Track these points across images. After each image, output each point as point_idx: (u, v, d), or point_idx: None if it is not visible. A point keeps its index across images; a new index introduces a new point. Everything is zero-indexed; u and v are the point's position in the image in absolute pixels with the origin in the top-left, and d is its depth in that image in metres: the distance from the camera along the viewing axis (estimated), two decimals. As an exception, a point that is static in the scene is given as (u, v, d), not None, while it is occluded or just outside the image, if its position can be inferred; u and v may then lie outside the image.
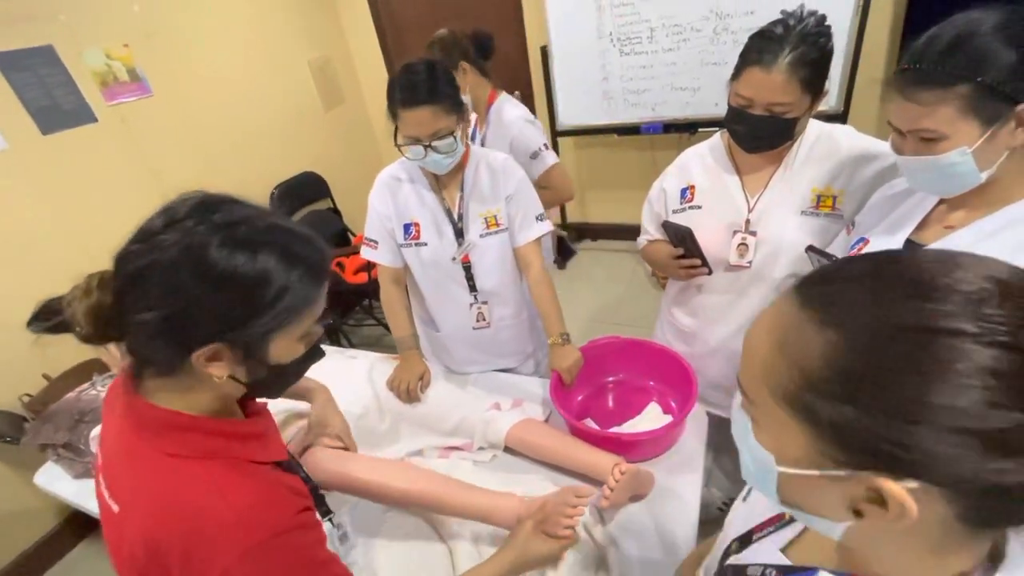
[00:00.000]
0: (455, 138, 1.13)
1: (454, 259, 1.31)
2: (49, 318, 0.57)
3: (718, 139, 1.14)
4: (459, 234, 1.30)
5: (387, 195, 1.31)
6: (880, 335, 0.31)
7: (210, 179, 2.50)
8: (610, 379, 1.34)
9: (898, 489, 0.30)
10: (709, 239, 1.11)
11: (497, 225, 1.31)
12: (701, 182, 1.15)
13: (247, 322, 0.56)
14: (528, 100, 3.24)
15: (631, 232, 3.71)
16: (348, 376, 1.35)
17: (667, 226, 1.14)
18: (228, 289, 0.54)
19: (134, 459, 0.59)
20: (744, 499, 0.57)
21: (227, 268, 0.53)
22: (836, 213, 1.03)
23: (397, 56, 3.36)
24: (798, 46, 0.90)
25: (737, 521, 0.55)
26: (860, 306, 0.32)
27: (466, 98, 1.55)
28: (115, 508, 0.60)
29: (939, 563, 0.35)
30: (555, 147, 3.19)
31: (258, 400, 0.71)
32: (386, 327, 2.99)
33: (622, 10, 2.60)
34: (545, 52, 2.85)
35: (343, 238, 3.17)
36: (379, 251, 1.35)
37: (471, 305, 1.38)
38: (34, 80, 1.89)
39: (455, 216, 1.29)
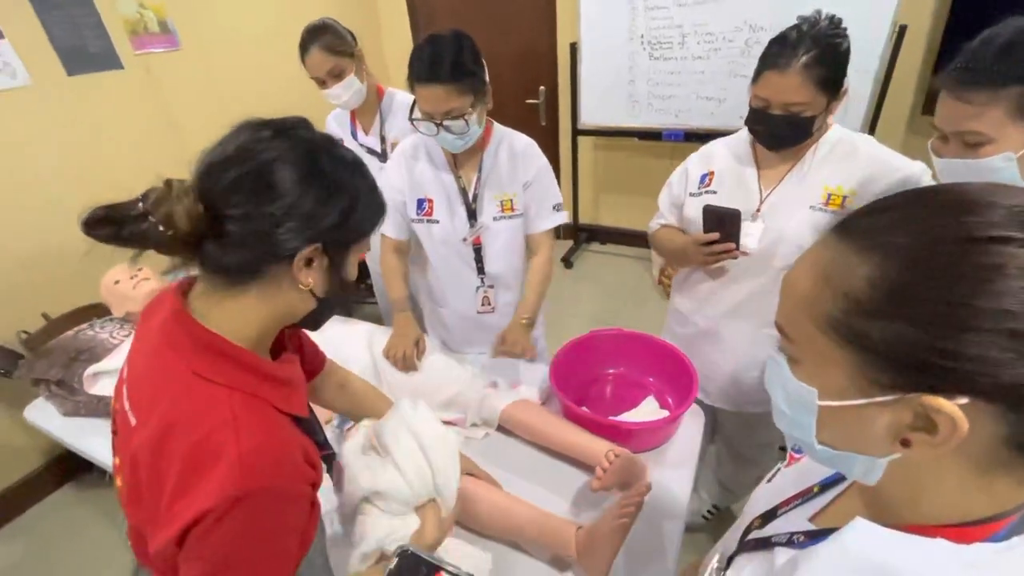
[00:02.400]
0: (467, 121, 1.11)
1: (465, 240, 1.31)
2: (118, 223, 0.53)
3: (744, 133, 1.16)
4: (472, 215, 1.29)
5: (403, 168, 1.30)
6: (925, 248, 0.31)
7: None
8: (610, 370, 1.33)
9: (949, 404, 0.30)
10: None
11: (512, 210, 1.30)
12: (721, 171, 1.18)
13: (342, 228, 0.60)
14: (552, 96, 3.24)
15: (642, 239, 3.70)
16: (346, 340, 1.33)
17: (709, 209, 1.10)
18: (334, 194, 0.59)
19: (164, 375, 0.59)
20: (769, 480, 0.56)
21: (335, 175, 0.59)
22: (843, 212, 1.02)
23: (426, 30, 3.36)
24: (812, 48, 0.94)
25: (759, 502, 0.54)
26: (903, 226, 0.33)
27: (365, 86, 1.60)
28: (133, 422, 0.59)
29: (983, 496, 0.34)
30: (574, 146, 3.19)
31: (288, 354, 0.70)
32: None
33: (656, 13, 2.59)
34: (574, 49, 2.85)
35: (354, 214, 3.17)
36: (387, 223, 1.34)
37: (477, 288, 1.38)
38: (65, 20, 1.89)
39: (470, 196, 1.28)
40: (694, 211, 1.16)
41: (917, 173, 1.03)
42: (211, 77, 2.41)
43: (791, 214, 1.08)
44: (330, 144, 0.61)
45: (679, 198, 1.25)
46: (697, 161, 1.23)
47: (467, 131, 1.13)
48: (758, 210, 1.12)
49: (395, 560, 0.56)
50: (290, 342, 0.75)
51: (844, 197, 1.05)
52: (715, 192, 1.17)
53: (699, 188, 1.20)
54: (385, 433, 0.75)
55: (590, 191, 3.49)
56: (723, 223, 1.09)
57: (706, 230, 1.11)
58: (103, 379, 1.42)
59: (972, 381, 0.30)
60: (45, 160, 1.89)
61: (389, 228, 1.34)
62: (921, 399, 0.31)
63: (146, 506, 0.57)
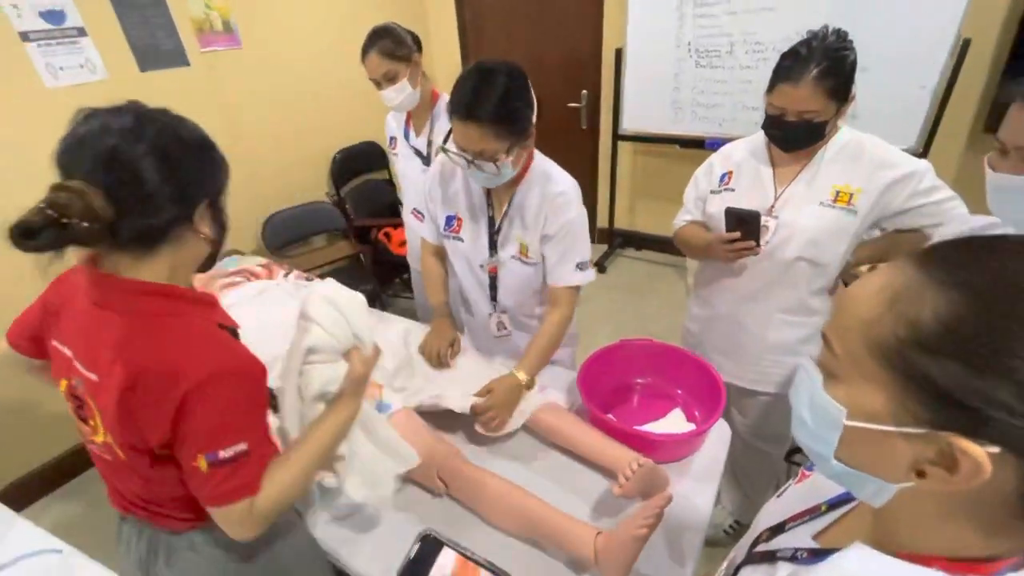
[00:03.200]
0: (498, 166, 1.06)
1: (482, 266, 1.31)
2: (44, 233, 0.59)
3: (761, 135, 1.24)
4: (493, 246, 1.28)
5: (439, 182, 1.30)
6: (1006, 295, 0.31)
7: (278, 134, 2.62)
8: (638, 380, 1.34)
9: (979, 450, 0.31)
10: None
11: (527, 256, 1.25)
12: (740, 169, 1.27)
13: (216, 179, 0.74)
14: (594, 100, 3.24)
15: (672, 246, 3.66)
16: (384, 335, 1.39)
17: (731, 212, 1.19)
18: (204, 154, 0.72)
19: (109, 328, 0.69)
20: (779, 495, 0.58)
21: (198, 137, 0.72)
22: (850, 208, 1.14)
23: (473, 41, 3.42)
24: (821, 61, 1.02)
25: (768, 516, 0.55)
26: (990, 270, 0.33)
27: (418, 90, 1.63)
28: (95, 378, 0.70)
29: (983, 539, 0.35)
30: (613, 150, 3.18)
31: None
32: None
33: (704, 21, 2.56)
34: (619, 54, 2.84)
35: (394, 210, 3.25)
36: (424, 225, 1.38)
37: (490, 315, 1.39)
38: (141, 20, 2.03)
39: (495, 227, 1.26)
40: (715, 207, 1.25)
41: (921, 170, 1.10)
42: (267, 77, 2.52)
43: (802, 209, 1.17)
44: (182, 122, 0.72)
45: (704, 192, 1.33)
46: (719, 159, 1.32)
47: (498, 174, 1.09)
48: (772, 206, 1.20)
49: (417, 545, 0.60)
50: None
51: (851, 194, 1.13)
52: (733, 190, 1.26)
53: (719, 186, 1.29)
54: (305, 305, 0.87)
55: (627, 196, 3.48)
56: (744, 224, 1.17)
57: (728, 230, 1.20)
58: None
59: (1011, 434, 0.30)
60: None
61: (428, 233, 1.38)
62: (951, 438, 0.32)
63: (133, 430, 0.69)
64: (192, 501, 0.74)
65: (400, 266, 2.98)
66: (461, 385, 1.23)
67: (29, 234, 0.58)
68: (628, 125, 3.00)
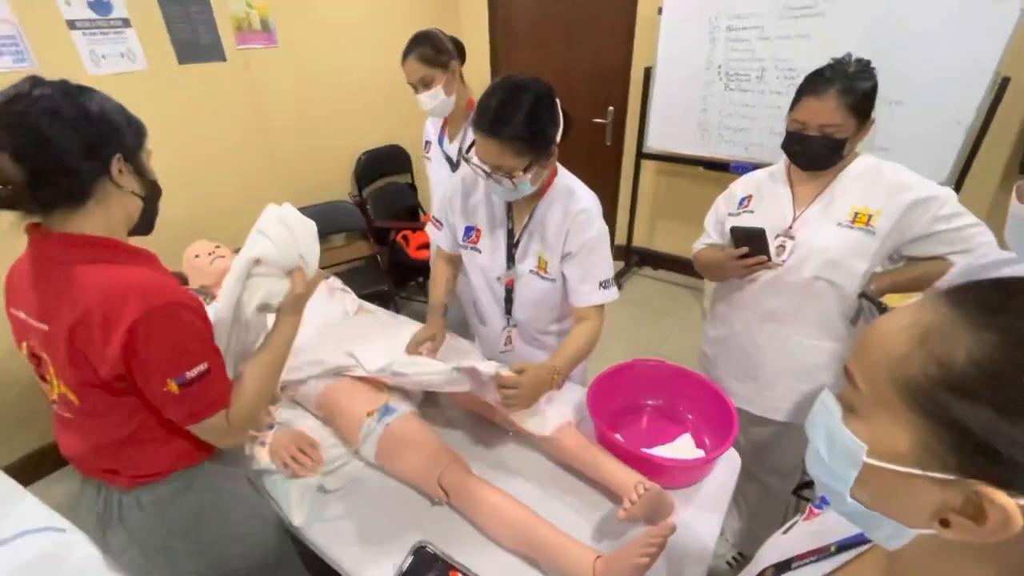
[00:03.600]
0: (514, 183, 1.06)
1: (499, 279, 1.30)
2: None
3: (783, 163, 1.28)
4: (511, 259, 1.26)
5: (461, 192, 1.30)
6: None
7: (306, 132, 2.67)
8: (649, 402, 1.32)
9: (1010, 502, 0.30)
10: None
11: (546, 271, 1.23)
12: (759, 193, 1.30)
13: (123, 135, 0.78)
14: (619, 117, 3.24)
15: (691, 268, 3.62)
16: (395, 339, 1.38)
17: (736, 230, 1.24)
18: (105, 113, 0.76)
19: (53, 279, 0.75)
20: (785, 532, 0.56)
21: (96, 99, 0.76)
22: (869, 229, 1.14)
23: (503, 51, 3.45)
24: (844, 81, 1.07)
25: (772, 551, 0.53)
26: None
27: (453, 98, 1.64)
28: (46, 328, 0.76)
29: None
30: (636, 168, 3.17)
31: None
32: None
33: (737, 45, 2.55)
34: (648, 73, 2.84)
35: (413, 213, 3.29)
36: (441, 234, 1.38)
37: (503, 328, 1.37)
38: (183, 14, 2.09)
39: (514, 240, 1.25)
40: (733, 225, 1.27)
41: (943, 195, 1.10)
42: (299, 75, 2.58)
43: (819, 230, 1.18)
44: (80, 88, 0.75)
45: (723, 216, 1.36)
46: (739, 184, 1.36)
47: (514, 190, 1.09)
48: (790, 227, 1.21)
49: (410, 557, 0.59)
50: None
51: (870, 215, 1.14)
52: (752, 212, 1.28)
53: (738, 209, 1.32)
54: (260, 220, 0.91)
55: (647, 215, 3.46)
56: (751, 240, 1.21)
57: (736, 246, 1.23)
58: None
59: None
60: (153, 134, 2.08)
61: (444, 242, 1.38)
62: (979, 487, 0.31)
63: (83, 365, 0.75)
64: (137, 451, 0.83)
65: (415, 269, 3.00)
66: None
67: None
68: (652, 144, 2.99)
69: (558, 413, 1.18)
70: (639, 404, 1.32)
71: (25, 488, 1.12)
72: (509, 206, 1.24)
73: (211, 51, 2.21)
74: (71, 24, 1.81)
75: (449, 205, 1.34)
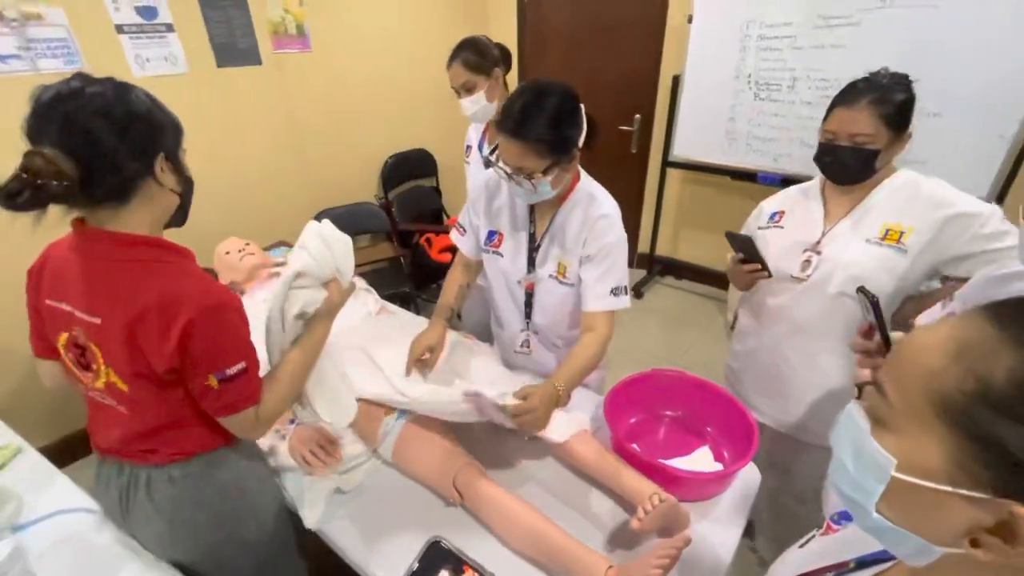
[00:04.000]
0: (533, 184, 1.07)
1: (519, 282, 1.30)
2: (24, 193, 0.68)
3: (817, 179, 1.25)
4: (531, 263, 1.27)
5: (484, 198, 1.32)
6: None
7: (335, 133, 2.73)
8: (667, 413, 1.31)
9: None
10: (778, 252, 1.23)
11: (565, 276, 1.24)
12: (791, 209, 1.28)
13: (165, 135, 0.82)
14: (646, 124, 3.23)
15: (720, 280, 3.57)
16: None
17: (730, 236, 1.25)
18: (151, 114, 0.79)
19: (106, 276, 0.79)
20: (801, 546, 0.55)
21: (142, 98, 0.78)
22: (900, 247, 1.10)
23: (531, 58, 3.47)
24: (877, 91, 1.05)
25: (786, 567, 0.52)
26: None
27: (495, 104, 1.64)
28: (98, 321, 0.80)
29: None
30: (661, 176, 3.15)
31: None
32: (458, 315, 3.08)
33: (768, 55, 2.52)
34: (677, 81, 2.82)
35: (438, 216, 3.32)
36: (464, 239, 1.39)
37: (521, 331, 1.37)
38: (223, 20, 2.16)
39: (535, 244, 1.26)
40: (761, 243, 1.26)
41: (986, 212, 1.04)
42: (331, 79, 2.64)
43: (847, 246, 1.15)
44: (125, 87, 0.78)
45: (751, 231, 1.33)
46: (772, 200, 1.34)
47: (533, 192, 1.10)
48: (818, 242, 1.19)
49: (424, 552, 0.60)
50: None
51: (902, 232, 1.10)
52: (781, 227, 1.27)
53: (767, 223, 1.30)
54: (302, 236, 0.97)
55: (671, 223, 3.42)
56: (743, 247, 1.22)
57: (735, 251, 1.26)
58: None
59: None
60: (190, 134, 2.15)
61: (467, 246, 1.39)
62: (1014, 507, 0.30)
63: (139, 359, 0.80)
64: (174, 433, 0.89)
65: (437, 272, 3.03)
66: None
67: (12, 196, 0.67)
68: (679, 152, 2.97)
69: (574, 420, 1.18)
70: (657, 415, 1.31)
71: (59, 470, 1.16)
72: (531, 210, 1.25)
73: (248, 55, 2.28)
74: (119, 28, 1.89)
75: (473, 208, 1.35)
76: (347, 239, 0.99)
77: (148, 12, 1.95)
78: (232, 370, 0.83)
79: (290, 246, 2.34)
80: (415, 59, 3.05)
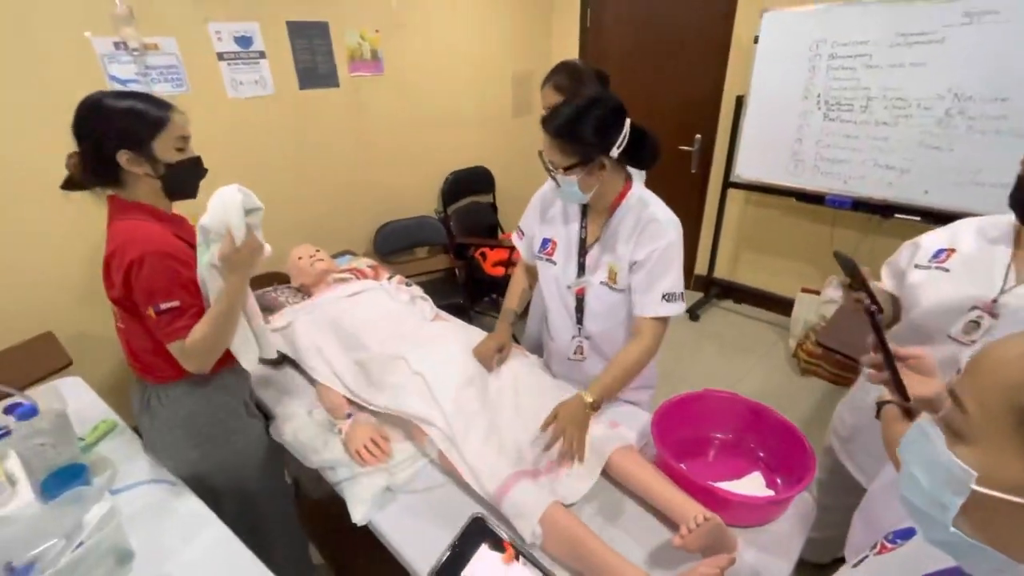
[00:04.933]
0: (559, 181, 1.13)
1: (569, 287, 1.32)
2: (71, 182, 1.07)
3: (1009, 219, 1.01)
4: (582, 269, 1.29)
5: (539, 206, 1.38)
6: None
7: (401, 150, 2.88)
8: (717, 435, 1.27)
9: None
10: (936, 302, 1.01)
11: (615, 282, 1.25)
12: (965, 249, 1.03)
13: (127, 136, 1.01)
14: (707, 145, 3.18)
15: (780, 305, 3.43)
16: (468, 347, 1.44)
17: (837, 255, 1.04)
18: (111, 122, 1.00)
19: (110, 230, 1.07)
20: (854, 566, 0.53)
21: (120, 106, 1.01)
22: None
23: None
24: None
25: None
26: None
27: None
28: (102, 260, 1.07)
29: None
30: (722, 197, 3.08)
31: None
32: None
33: (840, 74, 2.43)
34: (740, 101, 2.78)
35: (493, 231, 3.41)
36: (523, 243, 1.45)
37: (573, 337, 1.38)
38: (307, 46, 2.37)
39: (586, 249, 1.28)
40: (916, 279, 1.07)
41: None
42: (400, 100, 2.80)
43: None
44: (111, 95, 1.02)
45: (897, 267, 1.15)
46: (937, 234, 1.11)
47: (571, 191, 1.14)
48: (994, 300, 0.94)
49: (467, 525, 0.62)
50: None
51: None
52: (946, 270, 1.03)
53: (929, 262, 1.07)
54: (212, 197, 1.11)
55: (731, 245, 3.33)
56: (848, 269, 1.02)
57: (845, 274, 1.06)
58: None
59: None
60: (274, 150, 2.38)
61: (524, 250, 1.45)
62: None
63: (110, 288, 1.06)
64: (157, 360, 1.11)
65: (490, 285, 3.10)
66: (534, 414, 1.23)
67: (68, 184, 1.08)
68: (741, 173, 2.89)
69: (616, 436, 1.18)
70: (706, 436, 1.28)
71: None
72: (583, 217, 1.28)
73: (327, 78, 2.48)
74: (220, 56, 2.12)
75: (530, 215, 1.40)
76: (236, 199, 1.07)
77: (245, 41, 2.17)
78: (164, 305, 1.02)
79: (355, 254, 2.48)
80: (478, 82, 3.19)
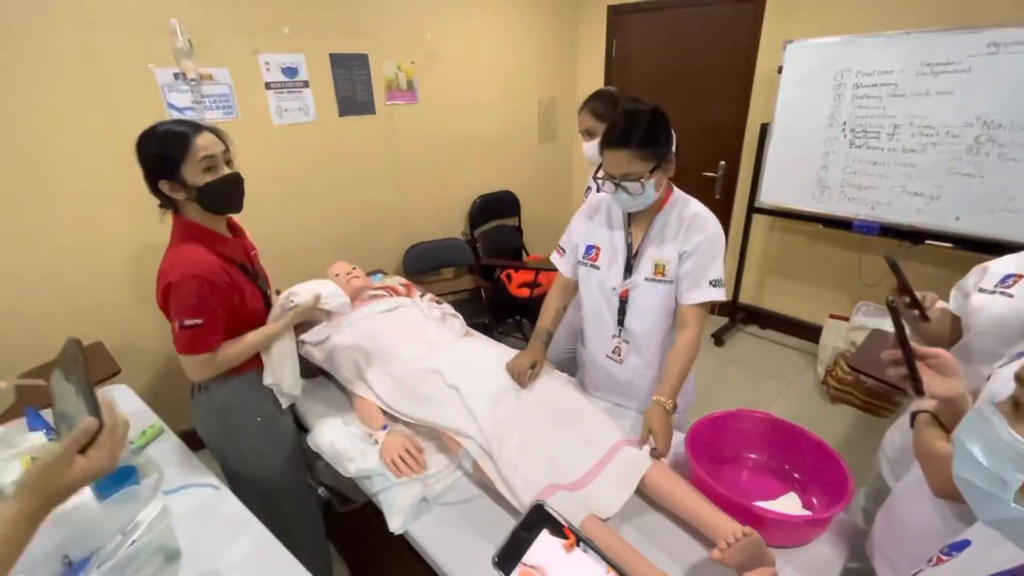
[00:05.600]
0: (642, 184, 1.21)
1: (614, 289, 1.38)
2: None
3: None
4: (628, 270, 1.36)
5: (585, 216, 1.46)
6: None
7: (432, 174, 2.98)
8: (752, 455, 1.27)
9: None
10: (992, 327, 1.00)
11: (663, 275, 1.32)
12: None
13: (160, 167, 1.13)
14: (731, 171, 3.21)
15: (807, 331, 3.39)
16: (500, 362, 1.47)
17: (885, 258, 1.10)
18: (147, 158, 1.14)
19: (167, 249, 1.21)
20: None
21: (150, 142, 1.13)
22: None
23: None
24: None
25: None
26: None
27: None
28: None
29: None
30: (747, 223, 3.09)
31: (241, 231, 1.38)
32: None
33: (865, 103, 2.46)
34: (765, 129, 2.82)
35: (518, 253, 3.47)
36: (563, 260, 1.50)
37: (613, 336, 1.44)
38: (348, 77, 2.50)
39: (632, 252, 1.36)
40: (978, 303, 1.05)
41: None
42: (433, 127, 2.92)
43: None
44: (154, 131, 1.14)
45: (965, 289, 1.14)
46: (1005, 262, 1.09)
47: (642, 193, 1.22)
48: None
49: (529, 512, 0.63)
50: (232, 224, 1.35)
51: None
52: (1011, 296, 1.00)
53: (995, 286, 1.05)
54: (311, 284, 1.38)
55: (756, 271, 3.32)
56: (895, 271, 1.06)
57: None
58: (304, 346, 1.77)
59: None
60: (313, 172, 2.50)
61: (565, 267, 1.51)
62: None
63: (158, 299, 1.18)
64: None
65: (514, 306, 3.14)
66: (565, 431, 1.25)
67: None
68: (766, 199, 2.91)
69: (644, 455, 1.18)
70: (740, 456, 1.27)
71: (193, 453, 1.34)
72: (628, 223, 1.35)
73: (365, 106, 2.60)
74: (267, 85, 2.25)
75: (572, 229, 1.47)
76: (323, 290, 1.39)
77: (290, 72, 2.31)
78: (189, 322, 1.15)
79: (386, 273, 2.55)
80: (506, 109, 3.30)
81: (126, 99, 1.90)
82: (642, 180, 1.20)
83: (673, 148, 1.25)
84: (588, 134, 1.76)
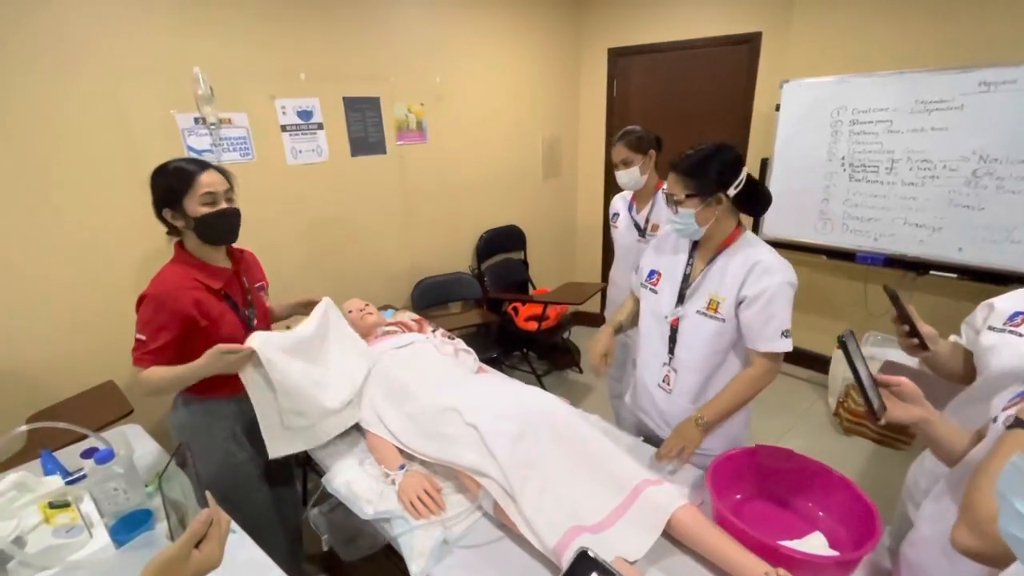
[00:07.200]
0: (678, 210, 1.30)
1: (666, 317, 1.42)
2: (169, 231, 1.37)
3: None
4: (681, 298, 1.39)
5: (654, 245, 1.54)
6: None
7: (440, 211, 3.04)
8: (772, 492, 1.25)
9: None
10: (1007, 368, 0.97)
11: (716, 311, 1.33)
12: None
13: (164, 198, 1.28)
14: (733, 205, 3.27)
15: (816, 362, 3.37)
16: (518, 399, 1.45)
17: (884, 287, 1.12)
18: (156, 191, 1.30)
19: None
20: None
21: (161, 176, 1.30)
22: None
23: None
24: None
25: None
26: None
27: (645, 177, 2.03)
28: None
29: None
30: (751, 255, 3.13)
31: (242, 256, 1.51)
32: (539, 377, 3.14)
33: (862, 138, 2.54)
34: (765, 164, 2.89)
35: (524, 286, 3.49)
36: (635, 278, 1.59)
37: (663, 364, 1.46)
38: (360, 119, 2.58)
39: (688, 282, 1.39)
40: (988, 341, 1.04)
41: None
42: (441, 165, 3.00)
43: None
44: (158, 173, 1.31)
45: (975, 325, 1.13)
46: (1010, 299, 1.07)
47: (685, 222, 1.30)
48: None
49: (574, 558, 0.62)
50: (237, 257, 1.49)
51: None
52: (1021, 335, 0.98)
53: (1003, 324, 1.03)
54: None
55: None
56: (894, 302, 1.08)
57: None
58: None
59: None
60: (324, 209, 2.55)
61: (636, 286, 1.59)
62: None
63: None
64: None
65: (522, 339, 3.14)
66: (595, 466, 1.24)
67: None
68: (769, 231, 2.96)
69: (680, 493, 1.17)
70: (761, 493, 1.26)
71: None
72: (691, 254, 1.40)
73: (376, 146, 2.68)
74: (283, 128, 2.33)
75: (646, 252, 1.56)
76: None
77: (305, 115, 2.39)
78: (139, 335, 1.27)
79: (396, 308, 2.57)
80: (511, 147, 3.39)
81: (147, 144, 1.96)
82: (680, 204, 1.28)
83: (731, 189, 1.26)
84: (624, 164, 2.00)
